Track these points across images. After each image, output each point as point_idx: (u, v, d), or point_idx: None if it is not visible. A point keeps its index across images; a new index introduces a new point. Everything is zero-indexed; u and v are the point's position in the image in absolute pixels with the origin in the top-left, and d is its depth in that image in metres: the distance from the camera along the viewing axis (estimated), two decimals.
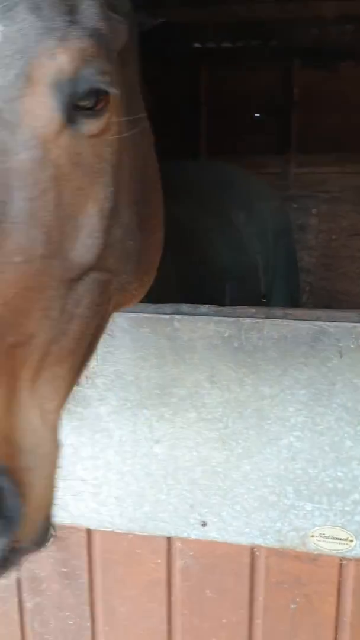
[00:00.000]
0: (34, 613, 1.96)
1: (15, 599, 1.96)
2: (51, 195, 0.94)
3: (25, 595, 1.95)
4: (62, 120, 0.96)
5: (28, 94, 0.92)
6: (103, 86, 0.97)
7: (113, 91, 1.00)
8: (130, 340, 1.64)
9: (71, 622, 1.93)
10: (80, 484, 1.77)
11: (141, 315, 1.62)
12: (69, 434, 1.74)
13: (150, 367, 1.65)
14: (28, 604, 1.96)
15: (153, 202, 1.26)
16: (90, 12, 0.97)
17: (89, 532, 1.82)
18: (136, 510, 1.74)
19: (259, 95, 6.00)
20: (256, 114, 6.20)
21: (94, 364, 1.68)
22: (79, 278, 1.00)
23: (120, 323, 1.64)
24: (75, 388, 1.14)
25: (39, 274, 0.92)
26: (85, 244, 1.00)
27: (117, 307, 1.27)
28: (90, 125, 0.99)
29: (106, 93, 0.99)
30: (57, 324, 0.96)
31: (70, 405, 1.71)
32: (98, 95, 0.98)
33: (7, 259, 0.88)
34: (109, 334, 1.63)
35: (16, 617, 1.98)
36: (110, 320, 1.29)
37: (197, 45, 5.57)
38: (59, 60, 0.93)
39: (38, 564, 1.90)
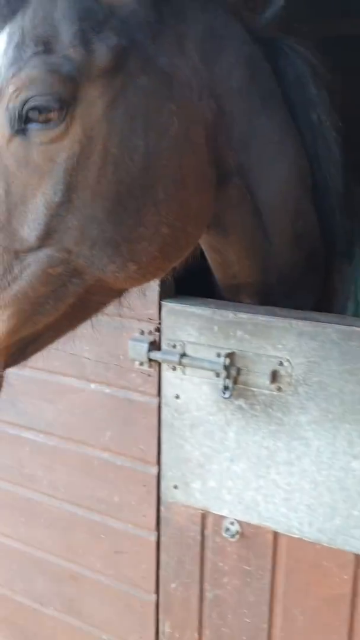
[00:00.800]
0: (213, 604, 2.04)
1: (197, 587, 2.05)
2: (0, 187, 1.26)
3: (206, 585, 2.03)
4: (10, 132, 1.25)
5: None
6: (45, 104, 1.22)
7: (55, 106, 1.23)
8: (338, 353, 1.64)
9: (248, 620, 1.98)
10: (272, 486, 1.81)
11: (352, 328, 1.62)
12: (266, 436, 1.79)
13: (356, 381, 1.63)
14: (208, 594, 2.04)
15: (156, 203, 1.35)
16: (65, 39, 1.24)
17: (275, 535, 1.85)
18: (326, 521, 1.74)
19: None
20: None
21: (298, 371, 1.70)
22: (30, 250, 1.29)
23: (329, 334, 1.65)
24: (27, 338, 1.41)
25: None
26: (29, 225, 1.27)
27: (103, 285, 1.41)
28: (40, 136, 1.25)
29: (60, 108, 1.23)
30: (1, 279, 1.29)
31: (269, 408, 1.76)
32: (43, 112, 1.23)
33: None
34: (318, 344, 1.65)
35: (196, 604, 2.07)
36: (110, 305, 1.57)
37: None
38: (9, 88, 1.24)
39: (222, 557, 1.98)
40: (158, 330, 1.99)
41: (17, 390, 2.34)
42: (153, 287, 1.98)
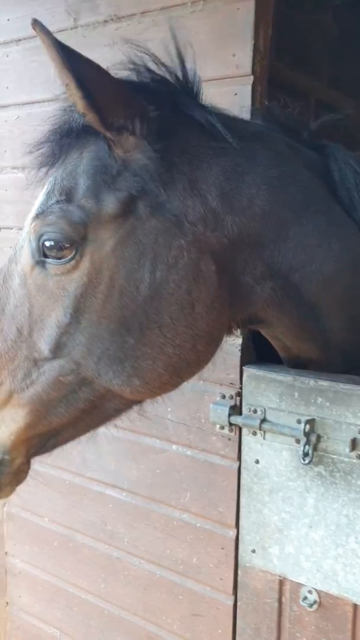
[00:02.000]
0: None
1: None
2: (25, 306, 1.49)
3: None
4: (32, 262, 1.48)
5: (24, 246, 1.51)
6: (56, 242, 1.44)
7: (65, 245, 1.44)
8: None
9: None
10: (352, 556, 1.80)
11: None
12: (346, 504, 1.80)
13: None
14: None
15: (161, 327, 1.48)
16: (80, 191, 1.46)
17: (355, 608, 1.83)
18: None
19: None
20: None
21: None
22: (46, 360, 1.47)
23: None
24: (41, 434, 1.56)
25: (10, 349, 1.50)
26: (45, 339, 1.47)
27: (114, 394, 1.54)
28: (55, 269, 1.45)
29: (70, 247, 1.44)
30: (20, 382, 1.49)
31: (349, 476, 1.78)
32: (57, 250, 1.44)
33: None
34: None
35: None
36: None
37: None
38: (31, 226, 1.49)
39: (300, 627, 1.96)
40: (239, 395, 2.06)
41: (102, 449, 2.46)
42: (234, 352, 2.07)
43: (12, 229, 2.75)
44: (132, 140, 1.46)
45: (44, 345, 1.47)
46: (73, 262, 1.45)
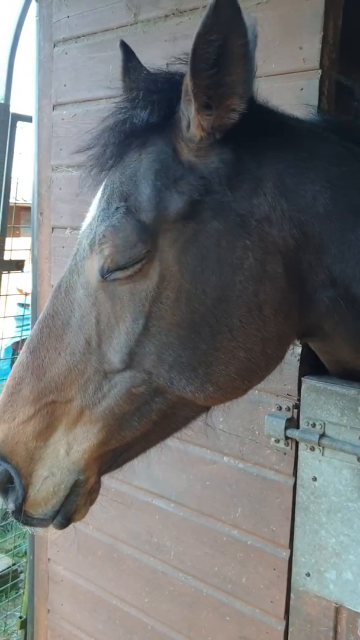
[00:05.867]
0: None
1: None
2: (92, 316, 1.44)
3: None
4: (98, 272, 1.42)
5: (88, 257, 1.45)
6: (124, 258, 1.39)
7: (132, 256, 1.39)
8: None
9: None
10: None
11: None
12: None
13: None
14: None
15: (232, 330, 1.42)
16: (142, 197, 1.40)
17: None
18: None
19: None
20: None
21: None
22: (116, 371, 1.41)
23: None
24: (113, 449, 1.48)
25: (79, 362, 1.43)
26: (114, 349, 1.41)
27: (186, 402, 1.47)
28: (121, 276, 1.40)
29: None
30: (91, 397, 1.42)
31: None
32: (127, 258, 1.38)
33: (61, 351, 1.45)
34: None
35: None
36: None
37: None
38: (97, 238, 1.43)
39: None
40: (296, 407, 1.95)
41: (150, 457, 2.37)
42: (293, 362, 1.96)
43: (65, 228, 2.70)
44: (210, 142, 1.40)
45: (113, 356, 1.42)
46: (139, 270, 1.40)
